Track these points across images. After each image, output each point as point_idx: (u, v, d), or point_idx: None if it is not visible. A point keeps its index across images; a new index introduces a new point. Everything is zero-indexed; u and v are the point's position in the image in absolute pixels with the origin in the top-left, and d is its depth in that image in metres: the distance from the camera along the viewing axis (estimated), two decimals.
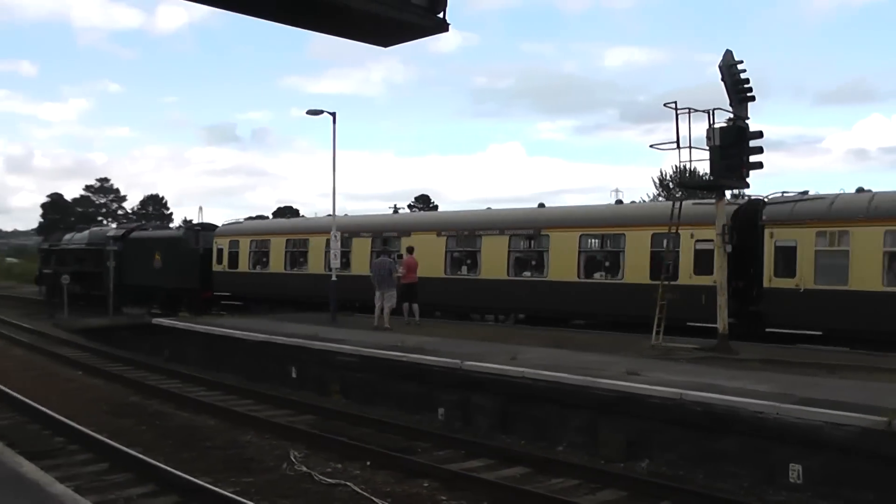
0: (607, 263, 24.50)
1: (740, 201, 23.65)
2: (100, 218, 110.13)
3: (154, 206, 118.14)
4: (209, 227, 41.43)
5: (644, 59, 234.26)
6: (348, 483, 11.44)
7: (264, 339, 21.48)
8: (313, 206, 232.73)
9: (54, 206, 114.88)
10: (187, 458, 13.03)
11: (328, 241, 29.69)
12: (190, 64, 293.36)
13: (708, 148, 17.60)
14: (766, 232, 20.56)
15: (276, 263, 34.86)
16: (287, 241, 34.91)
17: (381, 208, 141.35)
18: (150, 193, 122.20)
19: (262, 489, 11.33)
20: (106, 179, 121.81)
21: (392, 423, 15.33)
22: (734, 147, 17.53)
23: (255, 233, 37.51)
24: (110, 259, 37.81)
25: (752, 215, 21.54)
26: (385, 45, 7.11)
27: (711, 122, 17.61)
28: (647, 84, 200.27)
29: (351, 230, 31.32)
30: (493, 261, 26.30)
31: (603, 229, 24.35)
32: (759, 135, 17.71)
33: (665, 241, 20.05)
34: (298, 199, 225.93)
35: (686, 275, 21.45)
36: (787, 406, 11.46)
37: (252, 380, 20.64)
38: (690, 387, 12.91)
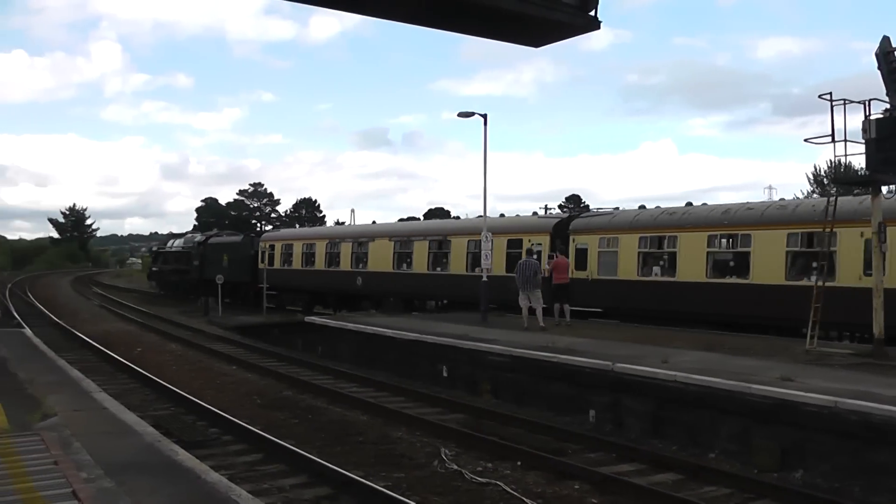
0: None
1: (563, 215, 31.19)
2: (253, 221, 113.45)
3: (307, 210, 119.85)
4: (261, 234, 51.84)
5: (798, 50, 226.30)
6: (499, 482, 11.51)
7: (415, 338, 21.83)
8: (464, 208, 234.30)
9: (209, 209, 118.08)
10: (339, 452, 13.38)
11: (328, 244, 40.96)
12: (342, 72, 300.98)
13: (863, 141, 16.79)
14: (571, 238, 27.79)
15: (297, 262, 43.54)
16: (304, 244, 43.71)
17: (530, 209, 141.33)
18: (302, 197, 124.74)
19: (412, 485, 11.50)
20: (259, 184, 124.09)
21: (542, 424, 15.30)
22: (891, 140, 16.34)
23: (285, 238, 46.77)
24: (261, 259, 43.16)
25: (567, 226, 28.53)
26: (536, 46, 7.08)
27: (867, 113, 16.66)
28: (801, 75, 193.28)
29: (340, 237, 41.31)
30: (420, 260, 34.48)
31: (479, 236, 29.10)
32: None
33: (817, 240, 20.25)
34: (449, 201, 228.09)
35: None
36: None
37: (403, 377, 20.94)
38: (845, 394, 12.39)
